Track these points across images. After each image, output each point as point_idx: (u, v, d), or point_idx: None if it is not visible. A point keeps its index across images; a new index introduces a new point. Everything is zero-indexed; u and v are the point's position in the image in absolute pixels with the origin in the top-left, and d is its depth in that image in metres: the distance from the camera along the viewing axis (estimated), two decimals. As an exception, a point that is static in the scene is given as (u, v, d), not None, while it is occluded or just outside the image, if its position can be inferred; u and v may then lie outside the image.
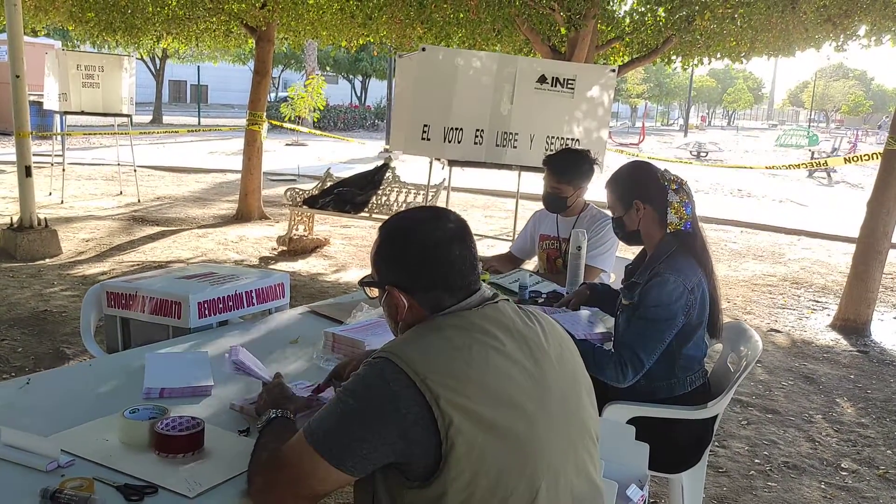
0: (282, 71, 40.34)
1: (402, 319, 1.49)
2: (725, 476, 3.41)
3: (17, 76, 6.63)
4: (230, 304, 2.52)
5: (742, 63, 8.36)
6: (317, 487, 1.36)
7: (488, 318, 1.44)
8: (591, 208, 3.53)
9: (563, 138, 5.68)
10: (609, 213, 2.67)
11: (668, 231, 2.45)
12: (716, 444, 3.70)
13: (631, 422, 2.28)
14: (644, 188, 2.50)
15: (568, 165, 3.45)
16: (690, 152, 25.47)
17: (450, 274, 1.46)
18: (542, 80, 5.57)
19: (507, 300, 1.53)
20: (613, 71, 5.87)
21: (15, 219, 6.93)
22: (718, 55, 8.03)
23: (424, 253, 1.46)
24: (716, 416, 2.53)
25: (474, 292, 1.48)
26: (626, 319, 2.48)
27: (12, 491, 1.40)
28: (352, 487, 1.48)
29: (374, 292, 1.56)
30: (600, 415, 2.41)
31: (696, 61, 8.39)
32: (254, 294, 2.61)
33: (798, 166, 9.06)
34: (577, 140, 5.69)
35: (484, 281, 2.99)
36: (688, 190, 2.49)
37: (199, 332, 2.43)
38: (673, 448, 2.48)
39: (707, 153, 25.38)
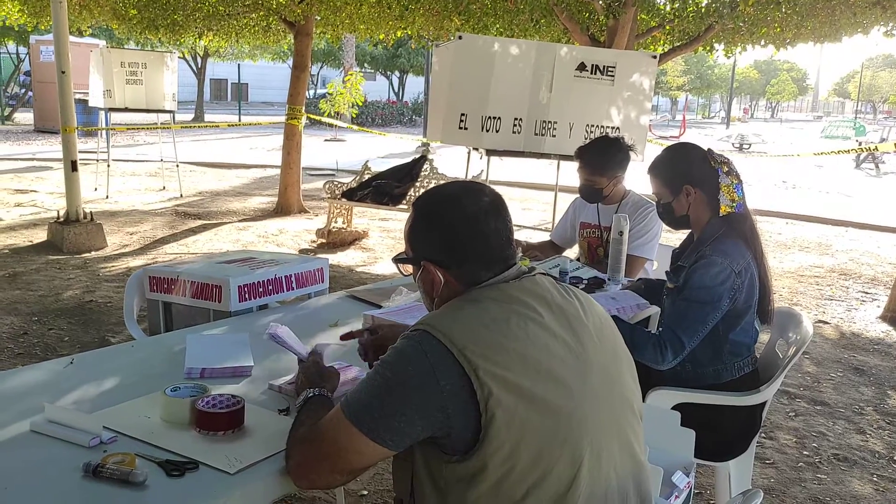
0: (320, 68, 40.64)
1: (437, 295, 1.47)
2: (773, 468, 3.33)
3: (63, 72, 6.75)
4: (270, 288, 2.53)
5: (787, 50, 8.16)
6: (354, 462, 1.34)
7: (526, 291, 1.41)
8: (632, 195, 3.46)
9: (602, 126, 5.60)
10: (650, 199, 2.61)
11: (720, 214, 2.38)
12: (762, 435, 3.61)
13: (676, 408, 2.23)
14: (693, 172, 2.42)
15: (600, 156, 3.37)
16: (732, 144, 25.01)
17: (486, 247, 1.43)
18: (582, 67, 5.49)
19: (545, 273, 1.50)
20: (654, 57, 5.76)
21: (62, 213, 7.07)
22: (762, 42, 7.85)
23: (460, 227, 1.44)
24: (764, 404, 2.46)
25: (511, 266, 1.46)
26: (671, 303, 2.42)
27: (56, 465, 1.41)
28: (390, 467, 1.46)
29: (409, 269, 1.54)
30: (644, 401, 2.37)
31: (739, 49, 8.22)
32: (293, 278, 2.61)
33: (847, 151, 8.84)
34: (617, 128, 5.60)
35: (532, 268, 2.98)
36: (736, 170, 2.42)
37: (239, 315, 2.43)
38: (720, 436, 2.42)
39: (750, 145, 24.90)
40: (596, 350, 1.41)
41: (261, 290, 2.49)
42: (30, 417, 1.56)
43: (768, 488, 3.14)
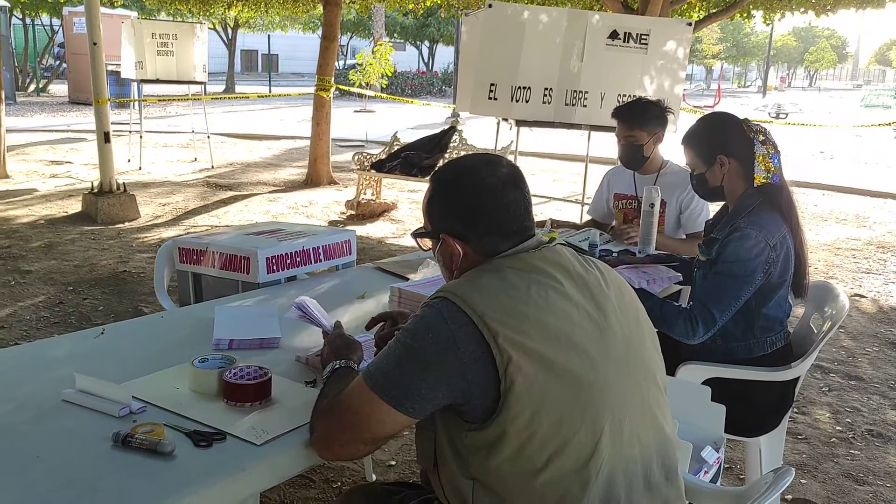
0: (350, 38, 40.49)
1: (457, 268, 1.46)
2: (805, 443, 3.28)
3: (95, 43, 6.79)
4: (298, 259, 2.53)
5: (827, 16, 7.93)
6: (377, 431, 1.34)
7: (547, 260, 1.39)
8: (670, 165, 3.35)
9: (635, 96, 5.48)
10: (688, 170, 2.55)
11: (755, 185, 2.32)
12: (795, 410, 3.56)
13: (706, 383, 2.20)
14: (728, 141, 2.36)
15: (638, 111, 3.26)
16: (769, 114, 24.50)
17: (504, 218, 1.42)
18: (614, 35, 5.39)
19: (565, 243, 1.47)
20: (690, 24, 5.63)
21: (96, 184, 7.16)
22: (802, 8, 7.64)
23: (478, 198, 1.43)
24: (797, 379, 2.42)
25: (530, 237, 1.44)
26: (703, 276, 2.38)
27: (86, 435, 1.42)
28: (413, 439, 1.46)
29: (427, 244, 1.52)
30: (673, 375, 2.34)
31: (778, 16, 8.01)
32: (321, 250, 2.61)
33: (889, 124, 8.61)
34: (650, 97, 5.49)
35: (552, 239, 2.93)
36: (773, 140, 2.35)
37: (267, 287, 2.44)
38: (751, 411, 2.38)
39: (787, 114, 24.38)
40: (618, 320, 1.39)
41: (289, 261, 2.50)
42: (62, 387, 1.58)
43: (800, 464, 3.10)
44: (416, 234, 1.54)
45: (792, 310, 2.43)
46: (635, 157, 3.29)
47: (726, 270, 2.27)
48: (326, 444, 1.39)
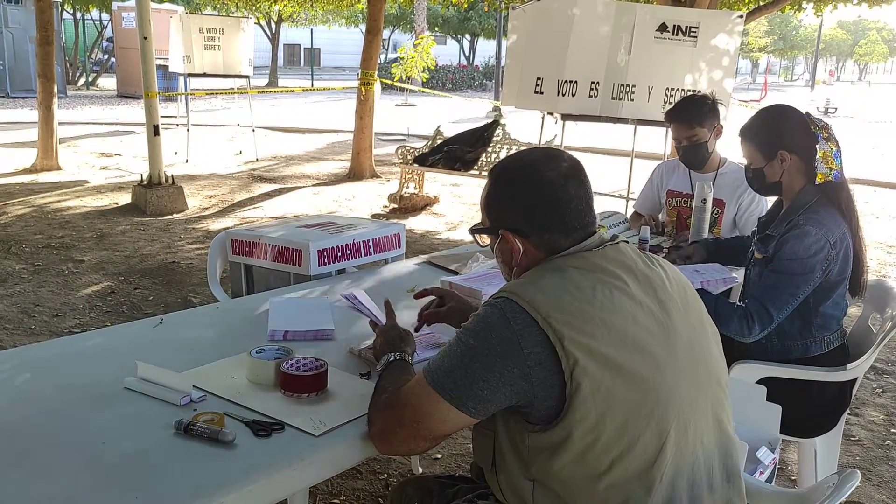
0: (392, 32, 40.60)
1: (517, 265, 1.44)
2: (858, 445, 3.21)
3: (145, 38, 6.92)
4: (348, 252, 2.55)
5: (880, 7, 7.72)
6: (437, 428, 1.34)
7: (610, 259, 1.37)
8: (729, 163, 3.24)
9: (684, 90, 5.40)
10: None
11: (816, 182, 2.26)
12: (848, 411, 3.48)
13: (762, 382, 2.17)
14: (790, 136, 2.29)
15: (693, 107, 3.14)
16: (817, 108, 23.94)
17: (566, 214, 1.39)
18: (663, 28, 5.31)
19: (628, 241, 1.45)
20: (741, 17, 5.51)
21: (145, 176, 7.30)
22: (854, 0, 7.45)
23: (538, 193, 1.40)
24: (854, 380, 2.37)
25: (592, 234, 1.41)
26: (759, 273, 2.33)
27: (149, 422, 1.45)
28: (469, 434, 1.46)
29: (486, 240, 1.50)
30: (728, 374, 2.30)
31: (829, 7, 7.82)
32: (371, 244, 2.63)
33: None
34: (699, 92, 5.40)
35: (615, 236, 2.91)
36: (836, 136, 2.29)
37: (318, 279, 2.46)
38: (807, 411, 2.34)
39: (836, 109, 23.79)
40: (682, 320, 1.37)
41: (339, 254, 2.51)
42: (124, 375, 1.61)
43: (854, 466, 3.04)
44: (474, 230, 1.53)
45: (848, 308, 2.37)
46: (700, 155, 3.18)
47: (784, 268, 2.22)
48: (386, 438, 1.39)
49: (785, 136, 2.29)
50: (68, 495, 1.23)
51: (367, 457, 1.47)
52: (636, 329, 1.30)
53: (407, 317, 2.11)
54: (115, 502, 1.22)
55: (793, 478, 2.92)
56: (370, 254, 2.64)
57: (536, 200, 1.41)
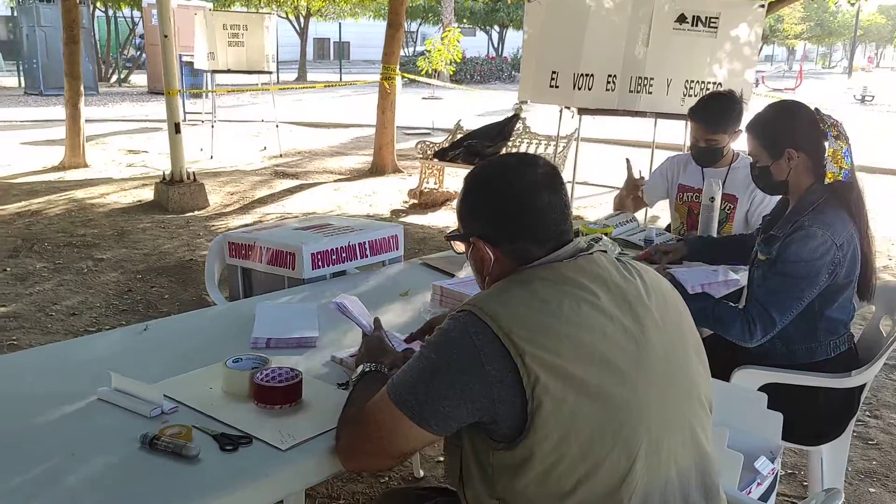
0: (420, 25, 40.52)
1: (488, 273, 1.40)
2: (876, 449, 3.11)
3: (165, 36, 6.96)
4: (343, 255, 2.52)
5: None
6: (400, 445, 1.31)
7: (582, 271, 1.32)
8: (742, 158, 3.13)
9: (704, 82, 5.30)
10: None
11: (825, 182, 2.18)
12: (867, 413, 3.39)
13: (765, 388, 2.10)
14: (798, 134, 2.21)
15: (719, 112, 3.03)
16: (854, 96, 23.41)
17: (538, 223, 1.35)
18: (682, 19, 5.19)
19: (604, 251, 1.40)
20: (763, 6, 5.38)
21: (167, 173, 7.36)
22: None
23: (510, 201, 1.36)
24: (862, 386, 2.28)
25: (566, 243, 1.36)
26: (763, 276, 2.26)
27: (118, 434, 1.44)
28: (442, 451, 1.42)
29: (461, 247, 1.47)
30: (728, 380, 2.24)
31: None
32: (367, 246, 2.60)
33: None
34: (720, 83, 5.28)
35: (606, 235, 2.84)
36: (846, 134, 2.20)
37: (312, 282, 2.44)
38: (812, 418, 2.27)
39: (873, 97, 23.23)
40: (658, 333, 1.31)
41: (334, 257, 2.49)
42: (100, 385, 1.60)
43: (870, 471, 2.95)
44: (449, 237, 1.50)
45: (856, 312, 2.29)
46: (713, 157, 3.12)
47: (788, 271, 2.15)
48: (350, 454, 1.36)
49: (792, 133, 2.21)
50: (27, 507, 1.22)
51: (334, 472, 1.44)
52: (605, 344, 1.25)
53: (400, 322, 2.09)
54: (71, 519, 1.21)
55: (805, 483, 2.83)
56: (367, 256, 2.61)
57: (507, 209, 1.37)
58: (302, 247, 2.41)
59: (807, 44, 52.03)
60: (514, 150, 7.39)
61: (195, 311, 2.25)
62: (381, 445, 1.31)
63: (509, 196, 1.37)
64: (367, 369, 1.52)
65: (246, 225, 6.60)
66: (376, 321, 1.76)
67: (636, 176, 3.34)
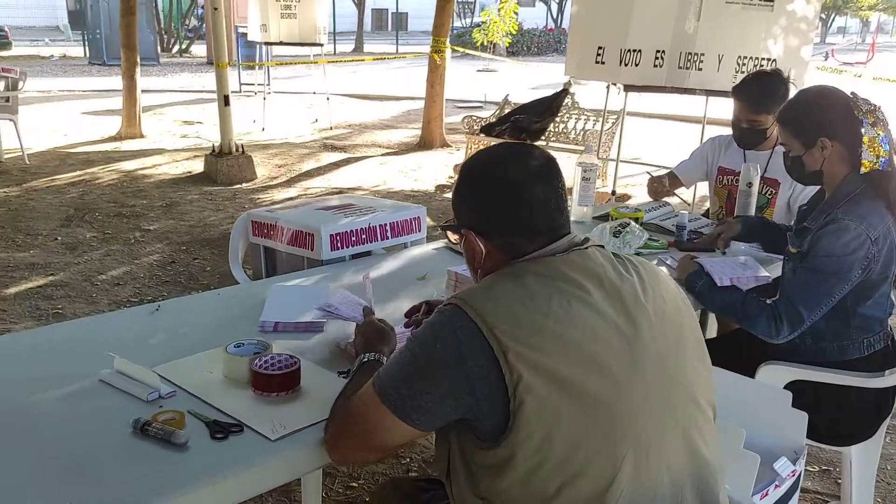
0: (480, -5, 40.08)
1: (480, 266, 1.36)
2: (919, 448, 2.98)
3: (216, 8, 7.02)
4: (363, 237, 2.50)
5: None
6: (385, 439, 1.28)
7: (575, 266, 1.27)
8: None
9: (757, 58, 5.09)
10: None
11: (861, 171, 2.06)
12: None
13: (792, 385, 2.01)
14: (833, 122, 2.09)
15: (764, 92, 2.90)
16: (930, 71, 22.26)
17: (531, 216, 1.30)
18: (736, -8, 4.99)
19: (601, 246, 1.34)
20: (823, -21, 5.12)
21: (216, 145, 7.46)
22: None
23: (502, 193, 1.32)
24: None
25: (561, 237, 1.32)
26: (793, 269, 2.16)
27: (115, 418, 1.44)
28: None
29: (455, 237, 1.43)
30: (753, 376, 2.15)
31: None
32: (388, 227, 2.57)
33: None
34: (774, 60, 5.07)
35: (637, 220, 2.75)
36: (884, 119, 2.08)
37: (331, 264, 2.43)
38: (841, 418, 2.18)
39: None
40: (653, 334, 1.26)
41: (353, 238, 2.47)
42: (104, 366, 1.62)
43: (910, 472, 2.83)
44: (443, 227, 1.46)
45: (895, 308, 2.18)
46: (756, 140, 3.01)
47: (818, 266, 2.05)
48: (335, 447, 1.35)
49: (826, 122, 2.09)
50: (16, 486, 1.24)
51: (324, 464, 1.43)
52: (594, 343, 1.20)
53: (408, 306, 2.05)
54: (56, 497, 1.22)
55: (839, 481, 2.73)
56: (387, 238, 2.58)
57: (498, 201, 1.33)
58: (321, 227, 2.40)
59: (882, 15, 49.63)
60: (561, 126, 7.26)
61: (208, 293, 2.26)
62: (364, 439, 1.30)
63: (500, 189, 1.33)
64: (366, 359, 1.50)
65: (290, 198, 6.65)
66: (366, 309, 1.74)
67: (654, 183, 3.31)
